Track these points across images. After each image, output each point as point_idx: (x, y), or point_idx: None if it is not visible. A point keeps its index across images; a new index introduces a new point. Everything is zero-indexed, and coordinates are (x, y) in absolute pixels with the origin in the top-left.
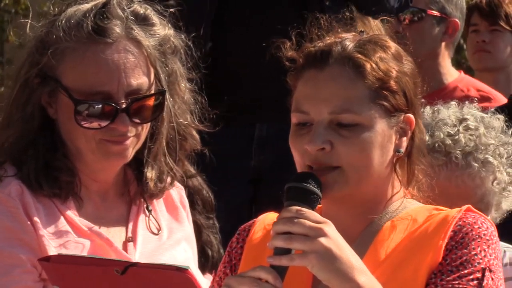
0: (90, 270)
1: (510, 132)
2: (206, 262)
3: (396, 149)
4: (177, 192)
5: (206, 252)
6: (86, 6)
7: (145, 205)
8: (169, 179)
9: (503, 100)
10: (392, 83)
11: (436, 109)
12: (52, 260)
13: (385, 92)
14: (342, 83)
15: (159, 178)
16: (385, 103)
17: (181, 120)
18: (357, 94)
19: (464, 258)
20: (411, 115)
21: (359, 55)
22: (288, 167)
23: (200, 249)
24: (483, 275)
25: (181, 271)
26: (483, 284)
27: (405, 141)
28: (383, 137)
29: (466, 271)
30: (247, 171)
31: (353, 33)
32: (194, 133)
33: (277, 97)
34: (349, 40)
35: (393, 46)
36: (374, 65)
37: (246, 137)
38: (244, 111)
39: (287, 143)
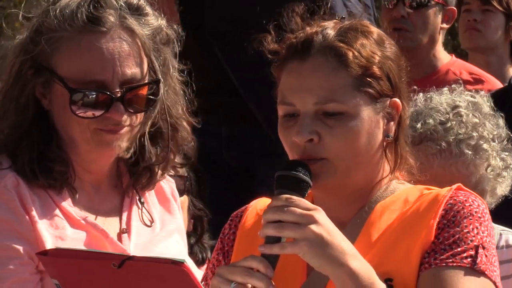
0: (88, 263)
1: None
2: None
3: (385, 134)
4: (168, 185)
5: (205, 247)
6: None
7: (137, 197)
8: (160, 171)
9: (496, 82)
10: (375, 69)
11: (428, 96)
12: (49, 254)
13: (368, 78)
14: (325, 73)
15: (150, 169)
16: (370, 90)
17: (173, 111)
18: (340, 83)
19: (457, 236)
20: (397, 99)
21: (341, 44)
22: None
23: (201, 244)
24: (477, 252)
25: (177, 264)
26: (476, 261)
27: (393, 125)
28: (370, 123)
29: (459, 249)
30: (222, 167)
31: (334, 21)
32: (186, 125)
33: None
34: (330, 28)
35: (375, 31)
36: (356, 53)
37: (217, 135)
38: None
39: (252, 143)
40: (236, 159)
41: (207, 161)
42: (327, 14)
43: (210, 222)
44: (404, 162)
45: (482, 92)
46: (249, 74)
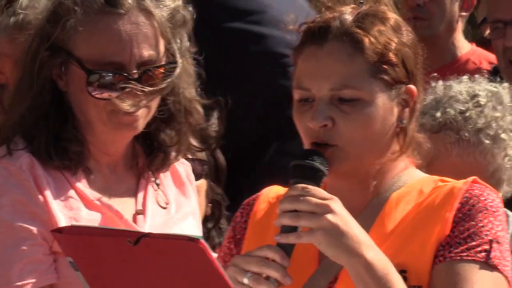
0: (103, 241)
1: None
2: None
3: (399, 120)
4: (184, 168)
5: (223, 232)
6: None
7: (153, 179)
8: (173, 153)
9: None
10: (392, 56)
11: (448, 84)
12: (64, 231)
13: (384, 65)
14: (341, 59)
15: (165, 151)
16: (385, 77)
17: (186, 93)
18: (356, 69)
19: (472, 230)
20: (412, 86)
21: (357, 30)
22: None
23: (218, 229)
24: (491, 246)
25: (194, 241)
26: (490, 256)
27: (407, 112)
28: (384, 110)
29: (474, 243)
30: None
31: (352, 6)
32: (199, 107)
33: None
34: (347, 14)
35: (392, 17)
36: (372, 39)
37: None
38: None
39: None
40: None
41: None
42: None
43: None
44: (414, 144)
45: (505, 84)
46: None
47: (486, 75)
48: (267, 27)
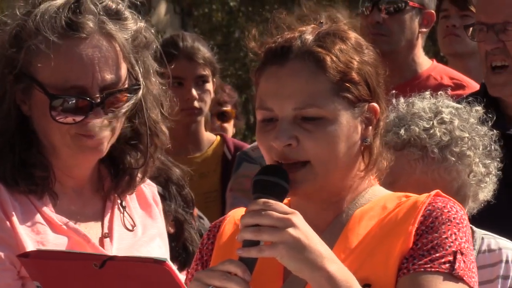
0: (69, 265)
1: (487, 123)
2: (187, 258)
3: (363, 139)
4: (150, 190)
5: (187, 249)
6: (59, 1)
7: (119, 201)
8: (139, 175)
9: (477, 87)
10: (354, 75)
11: (410, 101)
12: (31, 256)
13: (347, 84)
14: (304, 78)
15: (130, 173)
16: (348, 95)
17: (152, 115)
18: (319, 88)
19: (435, 242)
20: (375, 104)
21: (319, 49)
22: None
23: (182, 246)
24: (455, 257)
25: (159, 263)
26: (455, 267)
27: (370, 130)
28: (348, 128)
29: (437, 255)
30: None
31: (313, 25)
32: (164, 129)
33: None
34: (308, 33)
35: (353, 36)
36: (334, 58)
37: None
38: None
39: None
40: None
41: None
42: None
43: None
44: (376, 164)
45: (478, 108)
46: None
47: (449, 91)
48: None
